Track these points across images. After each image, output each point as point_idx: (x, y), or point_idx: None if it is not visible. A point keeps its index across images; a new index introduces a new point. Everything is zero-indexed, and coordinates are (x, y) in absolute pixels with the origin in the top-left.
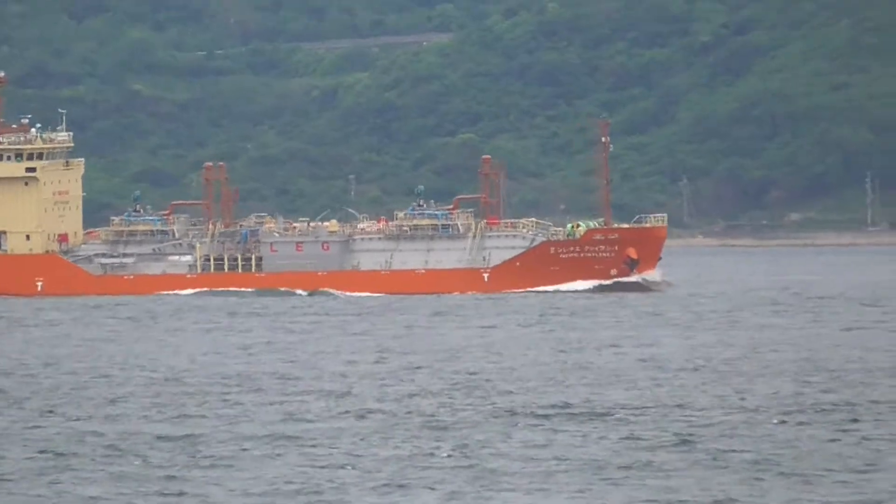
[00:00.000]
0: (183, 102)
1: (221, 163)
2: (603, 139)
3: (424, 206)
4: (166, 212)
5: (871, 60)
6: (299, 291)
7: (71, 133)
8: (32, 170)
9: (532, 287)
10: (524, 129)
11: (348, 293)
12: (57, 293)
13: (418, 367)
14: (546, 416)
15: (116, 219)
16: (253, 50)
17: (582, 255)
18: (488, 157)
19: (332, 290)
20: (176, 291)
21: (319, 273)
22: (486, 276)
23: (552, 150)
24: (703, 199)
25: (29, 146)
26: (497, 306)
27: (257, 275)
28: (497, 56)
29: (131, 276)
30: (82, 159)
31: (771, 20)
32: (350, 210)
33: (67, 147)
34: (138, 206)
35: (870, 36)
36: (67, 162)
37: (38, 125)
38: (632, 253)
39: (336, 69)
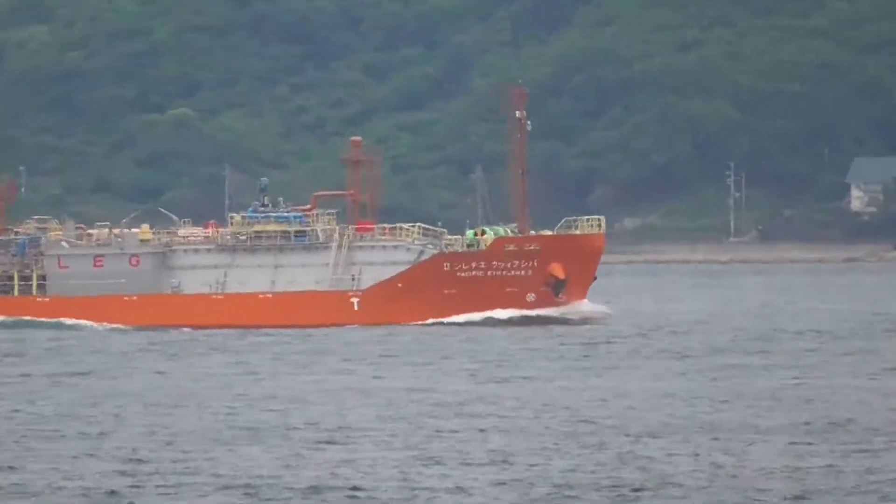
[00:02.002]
0: None
1: None
2: (517, 113)
3: (270, 205)
4: None
5: (734, 9)
6: (93, 325)
7: None
8: None
9: (419, 319)
10: (260, 102)
11: (105, 324)
12: None
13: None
14: None
15: None
16: None
17: (488, 273)
18: (358, 138)
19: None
20: None
21: (126, 297)
22: (355, 301)
23: (298, 132)
24: (504, 197)
25: None
26: (367, 346)
27: (40, 299)
28: (222, 4)
29: None
30: None
31: None
32: (163, 210)
33: None
34: None
35: None
36: None
37: None
38: (557, 271)
39: (0, 21)
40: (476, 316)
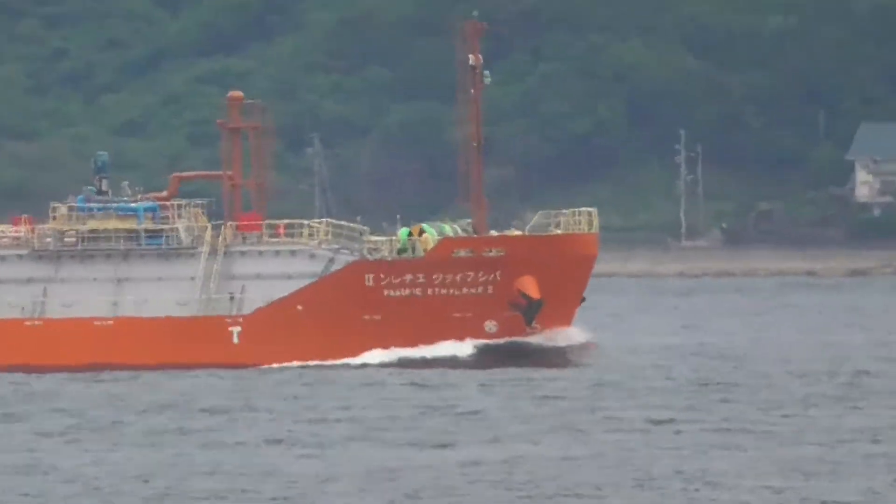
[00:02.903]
0: None
1: None
2: (470, 59)
3: (110, 192)
4: None
5: None
6: None
7: None
8: None
9: (327, 357)
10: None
11: None
12: None
13: None
14: None
15: None
16: None
17: (430, 290)
18: (239, 93)
19: None
20: None
21: None
22: (235, 332)
23: (55, 86)
24: (354, 180)
25: None
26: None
27: None
28: None
29: None
30: None
31: None
32: None
33: None
34: None
35: None
36: None
37: None
38: (528, 287)
39: None
40: (411, 353)
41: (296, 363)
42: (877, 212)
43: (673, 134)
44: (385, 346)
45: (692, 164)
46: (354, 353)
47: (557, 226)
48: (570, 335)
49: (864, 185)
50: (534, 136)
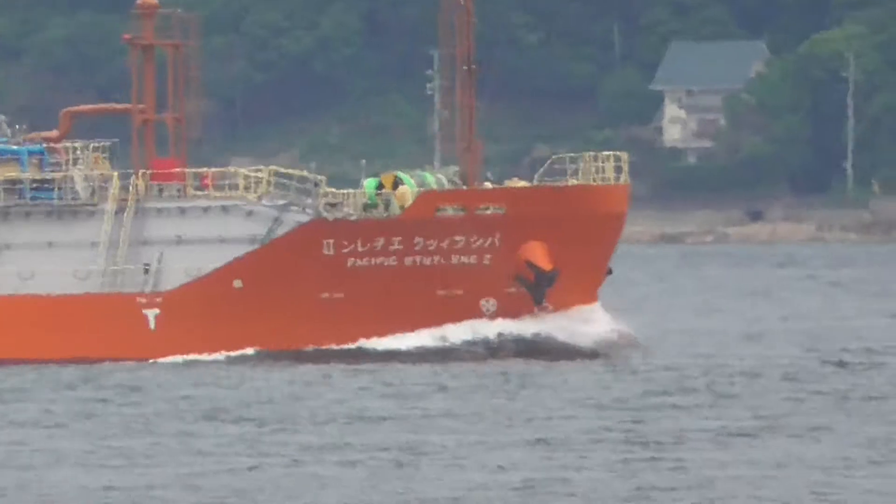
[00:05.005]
0: None
1: None
2: None
3: None
4: None
5: None
6: None
7: None
8: None
9: (272, 347)
10: None
11: None
12: None
13: None
14: None
15: None
16: None
17: (408, 259)
18: None
19: None
20: None
21: None
22: (151, 315)
23: None
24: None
25: None
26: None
27: None
28: None
29: None
30: None
31: None
32: None
33: None
34: None
35: None
36: None
37: None
38: (537, 255)
39: None
40: (382, 343)
41: (226, 352)
42: (692, 159)
43: (422, 54)
44: (348, 335)
45: (448, 96)
46: (308, 343)
47: (574, 174)
48: (595, 319)
49: (675, 124)
50: (239, 59)
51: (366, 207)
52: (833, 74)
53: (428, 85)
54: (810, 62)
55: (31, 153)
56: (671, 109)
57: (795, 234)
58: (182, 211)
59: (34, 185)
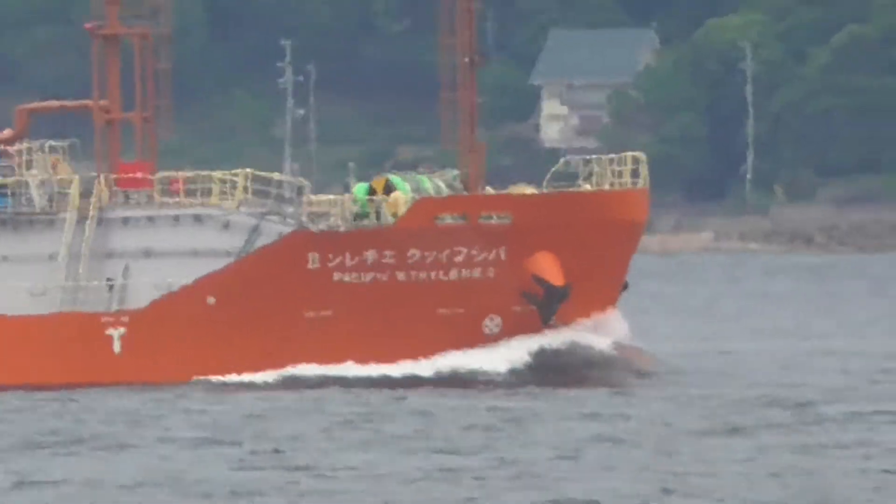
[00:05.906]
0: None
1: None
2: None
3: None
4: None
5: None
6: None
7: None
8: None
9: (249, 370)
10: None
11: None
12: None
13: None
14: None
15: None
16: None
17: (403, 274)
18: None
19: None
20: None
21: None
22: (115, 335)
23: None
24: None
25: None
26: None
27: None
28: None
29: None
30: None
31: None
32: None
33: None
34: None
35: None
36: None
37: None
38: (546, 269)
39: None
40: (373, 370)
41: (199, 377)
42: (572, 160)
43: (274, 46)
44: (336, 357)
45: (303, 93)
46: (290, 365)
47: (588, 178)
48: (612, 332)
49: (555, 122)
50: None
51: (356, 216)
52: (730, 67)
53: (279, 80)
54: (705, 53)
55: None
56: (550, 105)
57: (690, 245)
58: (150, 220)
59: None
